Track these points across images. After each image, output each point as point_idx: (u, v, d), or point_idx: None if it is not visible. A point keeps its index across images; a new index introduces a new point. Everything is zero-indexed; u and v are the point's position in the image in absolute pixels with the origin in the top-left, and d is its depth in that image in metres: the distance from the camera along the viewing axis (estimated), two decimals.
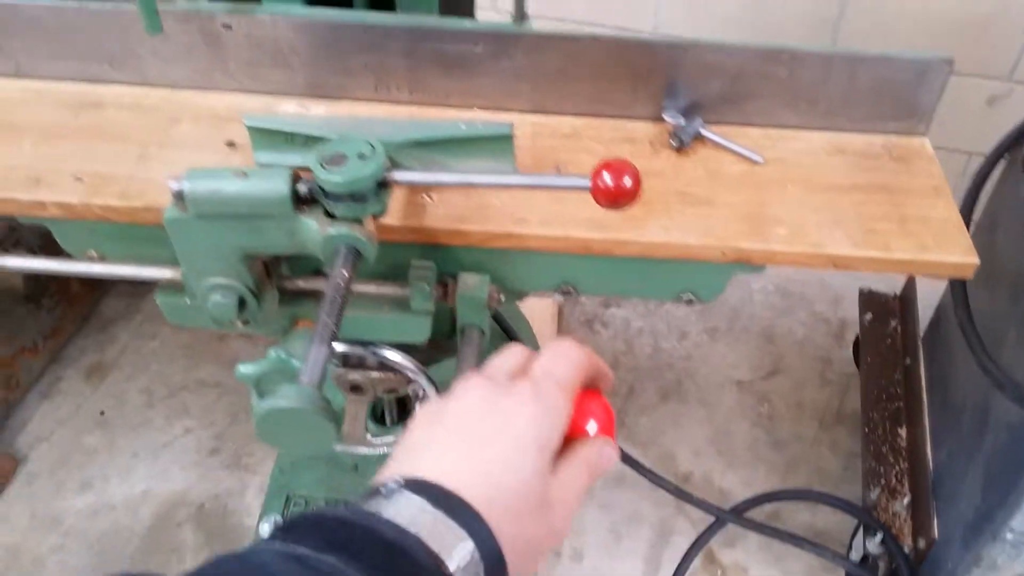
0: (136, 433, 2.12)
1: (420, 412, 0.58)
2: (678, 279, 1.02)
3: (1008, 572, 1.48)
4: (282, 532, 0.47)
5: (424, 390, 1.10)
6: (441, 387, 1.09)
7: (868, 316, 2.13)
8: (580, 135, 1.10)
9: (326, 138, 0.99)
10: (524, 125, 1.11)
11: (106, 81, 1.14)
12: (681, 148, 1.07)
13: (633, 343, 2.38)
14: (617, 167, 0.80)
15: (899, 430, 1.95)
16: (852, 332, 2.33)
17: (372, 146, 0.85)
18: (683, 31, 2.35)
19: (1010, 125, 2.30)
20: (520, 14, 1.07)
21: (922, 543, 1.71)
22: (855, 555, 1.87)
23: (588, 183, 0.81)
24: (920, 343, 2.00)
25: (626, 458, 1.78)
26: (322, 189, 0.85)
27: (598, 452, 0.58)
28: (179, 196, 0.87)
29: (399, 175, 0.85)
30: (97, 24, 1.09)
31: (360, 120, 1.02)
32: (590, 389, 0.61)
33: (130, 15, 1.08)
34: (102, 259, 1.06)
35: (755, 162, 1.06)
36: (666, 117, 1.10)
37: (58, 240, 1.05)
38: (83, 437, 2.11)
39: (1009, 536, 1.41)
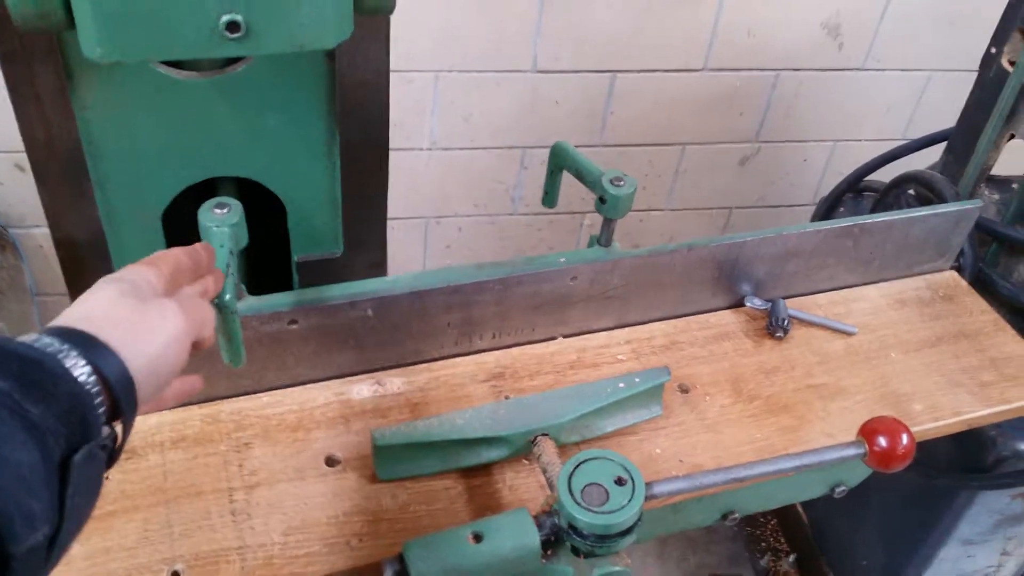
0: None
1: None
2: (831, 476, 1.01)
3: None
4: None
5: None
6: None
7: None
8: (677, 342, 1.05)
9: (477, 438, 0.85)
10: (619, 344, 1.04)
11: None
12: (785, 335, 1.06)
13: None
14: (889, 428, 0.76)
15: None
16: None
17: (623, 466, 0.74)
18: (459, 144, 2.33)
19: (760, 179, 2.58)
20: (608, 239, 0.99)
21: None
22: None
23: (863, 451, 0.77)
24: None
25: None
26: (574, 528, 0.72)
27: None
28: None
29: (661, 488, 0.74)
30: None
31: (509, 407, 0.88)
32: None
33: None
34: None
35: (850, 333, 1.08)
36: (748, 303, 1.08)
37: None
38: None
39: None
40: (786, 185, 2.61)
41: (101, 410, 0.52)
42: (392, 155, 2.48)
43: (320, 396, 0.94)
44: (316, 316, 0.89)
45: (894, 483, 1.57)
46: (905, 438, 0.76)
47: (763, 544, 1.99)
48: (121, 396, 0.53)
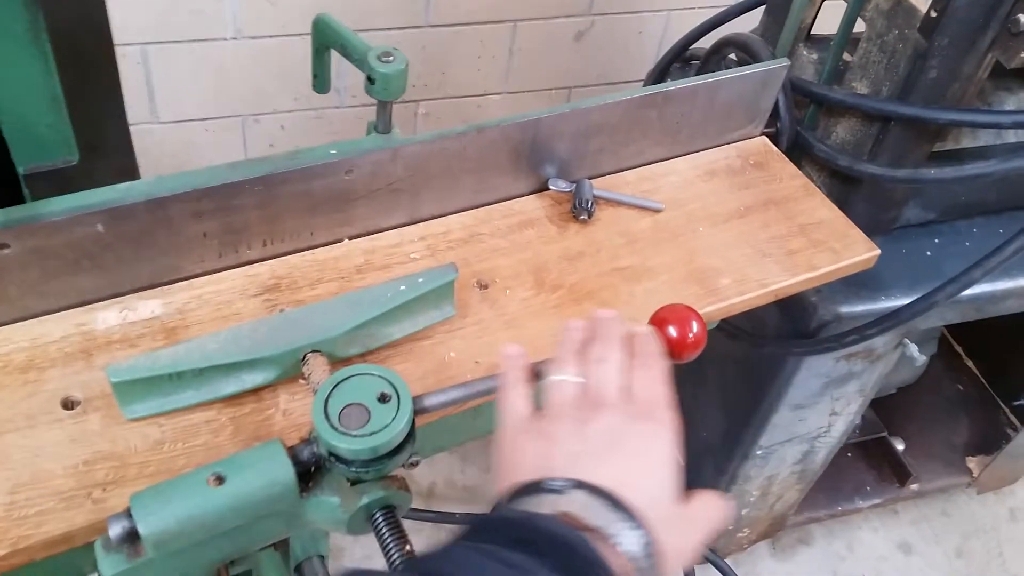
0: None
1: (555, 412, 0.61)
2: None
3: (758, 480, 1.71)
4: (471, 533, 0.51)
5: None
6: None
7: None
8: (477, 234, 0.96)
9: (234, 363, 0.74)
10: (412, 242, 0.94)
11: None
12: (590, 218, 0.98)
13: None
14: (679, 316, 0.70)
15: None
16: None
17: (387, 380, 0.65)
18: (268, 31, 2.14)
19: (597, 55, 2.49)
20: (386, 125, 0.88)
21: None
22: None
23: None
24: None
25: None
26: (336, 456, 0.64)
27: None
28: (127, 539, 0.60)
29: (432, 400, 0.67)
30: None
31: (272, 324, 0.77)
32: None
33: None
34: None
35: (657, 210, 1.02)
36: (552, 186, 1.01)
37: None
38: None
39: (759, 452, 1.62)
40: (624, 60, 2.52)
41: None
42: (193, 47, 2.26)
43: (57, 329, 0.81)
44: (32, 237, 0.75)
45: (727, 355, 1.58)
46: (696, 325, 0.70)
47: None
48: None
